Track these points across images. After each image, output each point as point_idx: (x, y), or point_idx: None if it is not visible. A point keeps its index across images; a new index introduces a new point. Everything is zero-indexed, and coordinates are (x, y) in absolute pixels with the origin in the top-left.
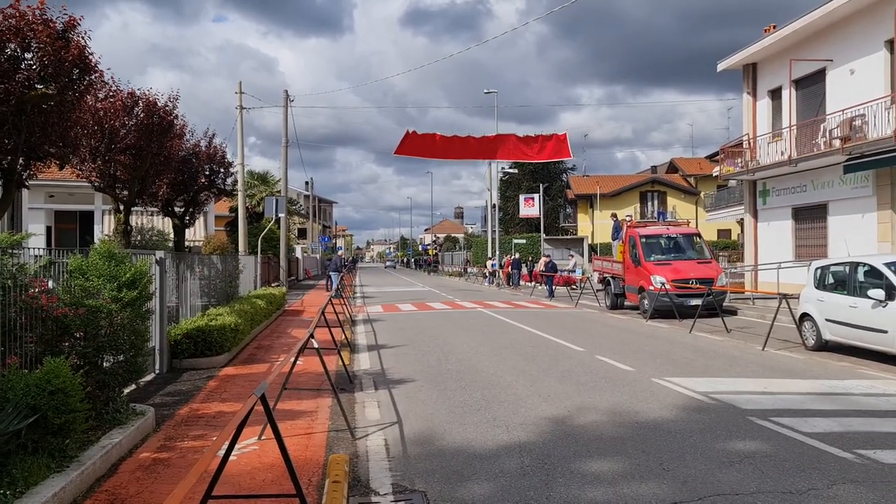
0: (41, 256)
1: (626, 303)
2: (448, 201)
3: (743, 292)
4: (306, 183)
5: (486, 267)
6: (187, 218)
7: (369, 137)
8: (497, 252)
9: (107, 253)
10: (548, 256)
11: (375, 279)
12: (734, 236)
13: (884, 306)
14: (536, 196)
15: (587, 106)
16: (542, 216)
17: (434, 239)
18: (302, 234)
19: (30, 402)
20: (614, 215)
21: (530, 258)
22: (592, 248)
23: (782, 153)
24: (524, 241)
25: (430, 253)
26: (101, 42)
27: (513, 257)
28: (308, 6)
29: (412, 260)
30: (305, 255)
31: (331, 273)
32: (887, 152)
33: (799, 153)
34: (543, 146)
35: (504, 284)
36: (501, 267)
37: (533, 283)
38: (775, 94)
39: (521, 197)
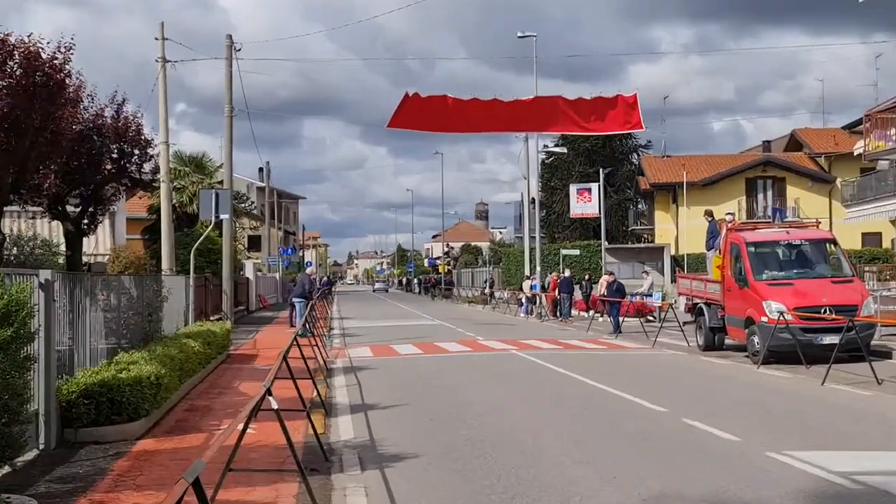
0: None
1: (726, 340)
2: (466, 195)
3: None
4: (260, 170)
5: (521, 290)
6: (86, 221)
7: (351, 103)
8: (538, 269)
9: None
10: (611, 275)
11: (361, 308)
12: (887, 243)
13: None
14: (594, 187)
15: (668, 55)
16: (602, 216)
17: (447, 250)
18: (254, 243)
19: None
20: (709, 214)
21: (586, 277)
22: (677, 262)
23: None
24: (577, 252)
25: (441, 270)
26: None
27: (561, 276)
28: None
29: (414, 280)
30: (260, 274)
31: (295, 300)
32: None
33: None
34: (604, 113)
35: (549, 315)
36: (545, 290)
37: (591, 312)
38: None
39: (573, 188)
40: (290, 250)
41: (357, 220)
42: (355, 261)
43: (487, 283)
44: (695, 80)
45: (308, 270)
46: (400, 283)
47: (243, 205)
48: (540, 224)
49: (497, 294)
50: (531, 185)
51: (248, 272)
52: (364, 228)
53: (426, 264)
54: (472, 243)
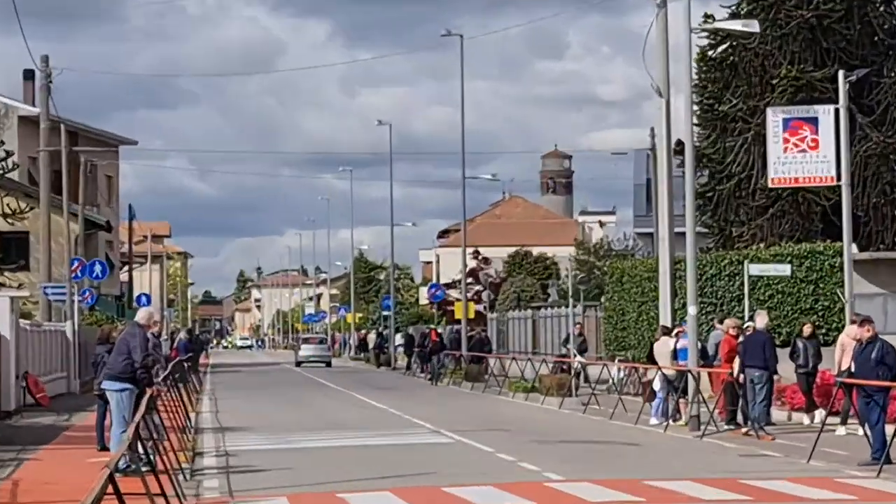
0: None
1: None
2: (519, 134)
3: None
4: (30, 75)
5: (653, 363)
6: None
7: None
8: (692, 311)
9: None
10: (867, 324)
11: (268, 404)
12: None
13: None
14: (824, 114)
15: None
16: (844, 184)
17: (478, 265)
18: (17, 249)
19: None
20: None
21: (805, 330)
22: None
23: None
24: (786, 268)
25: (461, 313)
26: None
27: (748, 328)
28: None
29: (395, 337)
30: (27, 325)
31: (111, 387)
32: None
33: None
34: None
35: (719, 419)
36: (709, 360)
37: (818, 414)
38: None
39: (774, 117)
40: (98, 269)
41: (259, 196)
42: (253, 292)
43: (571, 344)
44: None
45: (140, 316)
46: (361, 345)
47: None
48: (698, 205)
49: (591, 369)
50: (678, 110)
51: (1, 322)
52: (276, 216)
53: (426, 298)
54: (534, 250)
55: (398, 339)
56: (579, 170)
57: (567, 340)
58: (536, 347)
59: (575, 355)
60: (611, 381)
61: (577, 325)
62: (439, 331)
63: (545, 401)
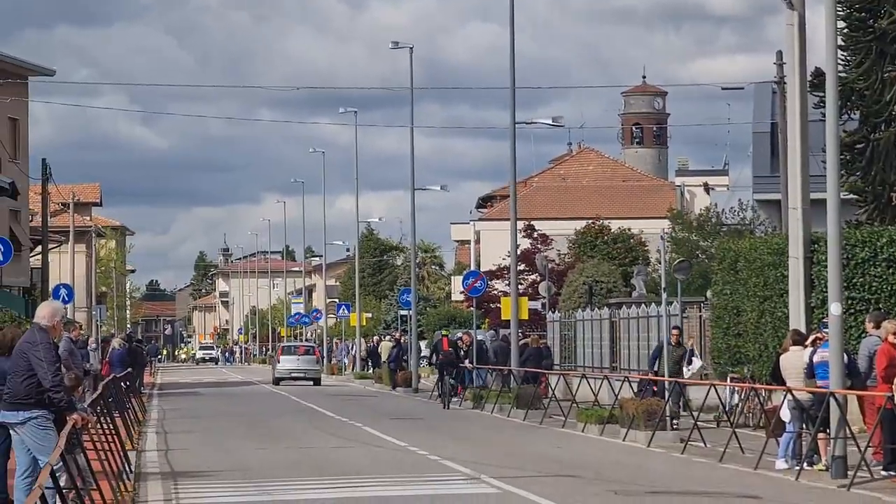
0: None
1: None
2: (593, 64)
3: None
4: None
5: (779, 381)
6: None
7: None
8: (835, 311)
9: None
10: None
11: (232, 438)
12: None
13: None
14: None
15: None
16: None
17: (534, 246)
18: None
19: None
20: None
21: None
22: None
23: None
24: None
25: (508, 312)
26: None
27: None
28: None
29: (419, 346)
30: None
31: (7, 421)
32: None
33: None
34: None
35: (871, 461)
36: (863, 380)
37: None
38: None
39: None
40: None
41: (228, 149)
42: (219, 282)
43: (665, 359)
44: None
45: (41, 315)
46: (370, 356)
47: None
48: (844, 161)
49: (692, 391)
50: (816, 28)
51: None
52: (250, 177)
53: (461, 292)
54: (613, 224)
55: (423, 348)
56: (676, 112)
57: (658, 354)
58: (616, 361)
59: (688, 363)
60: (720, 408)
61: (675, 331)
62: (460, 336)
63: (628, 435)
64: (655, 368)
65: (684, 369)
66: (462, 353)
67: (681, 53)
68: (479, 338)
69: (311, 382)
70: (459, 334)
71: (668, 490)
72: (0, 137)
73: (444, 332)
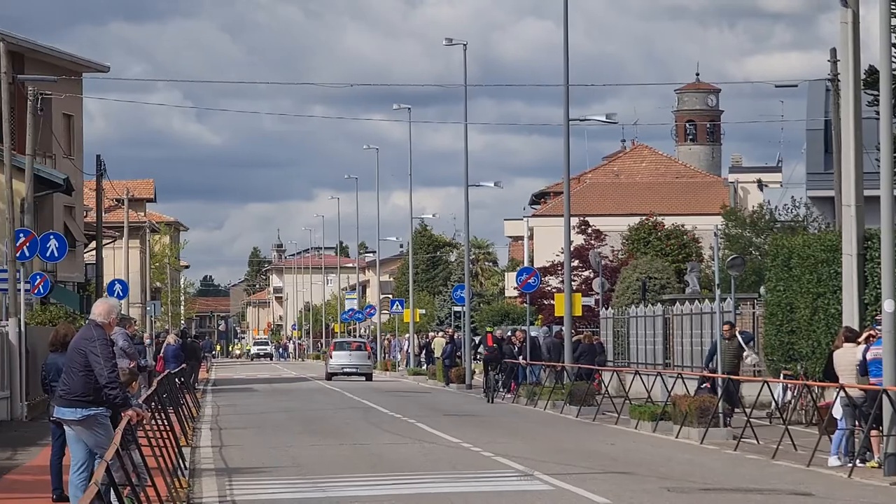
0: None
1: None
2: (647, 61)
3: None
4: None
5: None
6: None
7: None
8: (891, 300)
9: None
10: None
11: (287, 435)
12: None
13: None
14: None
15: None
16: None
17: (588, 242)
18: None
19: None
20: None
21: None
22: None
23: None
24: None
25: (563, 307)
26: None
27: None
28: None
29: (473, 341)
30: None
31: (70, 414)
32: None
33: None
34: None
35: None
36: None
37: None
38: None
39: None
40: (54, 245)
41: (281, 145)
42: (273, 278)
43: (718, 354)
44: None
45: (97, 312)
46: (425, 352)
47: None
48: None
49: (746, 388)
50: (870, 25)
51: None
52: (304, 173)
53: (514, 288)
54: (666, 220)
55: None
56: (730, 109)
57: (713, 353)
58: (669, 357)
59: (748, 355)
60: (773, 404)
61: (727, 326)
62: (514, 332)
63: (681, 432)
64: (711, 366)
65: (744, 355)
66: (515, 349)
67: (734, 50)
68: (533, 334)
69: (363, 378)
70: (512, 330)
71: (720, 487)
72: (55, 134)
73: (489, 329)
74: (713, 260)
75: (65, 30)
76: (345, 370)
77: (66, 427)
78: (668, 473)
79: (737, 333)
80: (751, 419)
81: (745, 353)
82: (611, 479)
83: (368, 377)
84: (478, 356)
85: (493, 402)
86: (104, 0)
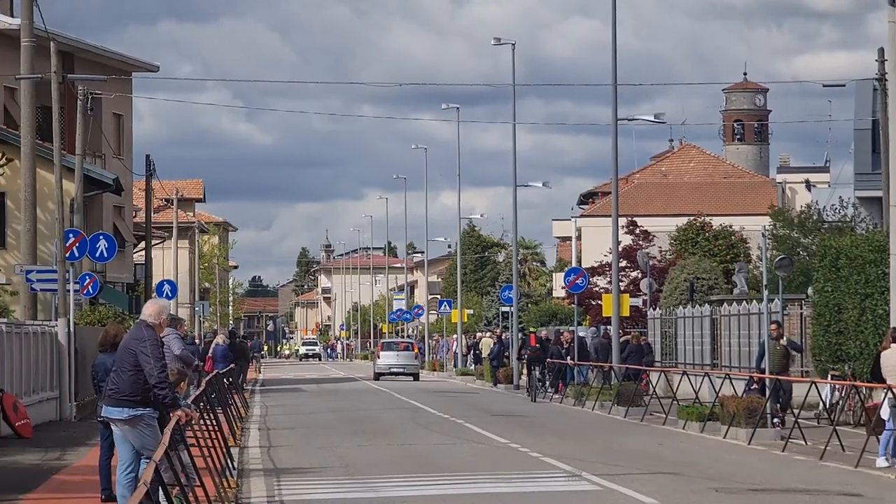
0: None
1: None
2: (695, 60)
3: None
4: None
5: None
6: None
7: None
8: None
9: None
10: None
11: (335, 434)
12: None
13: None
14: None
15: None
16: None
17: (636, 242)
18: None
19: None
20: None
21: None
22: None
23: None
24: None
25: (618, 303)
26: None
27: None
28: None
29: (516, 341)
30: (9, 326)
31: (117, 414)
32: None
33: None
34: None
35: None
36: None
37: None
38: None
39: None
40: (103, 245)
41: (330, 144)
42: (321, 278)
43: (767, 356)
44: None
45: (148, 312)
46: (471, 351)
47: None
48: None
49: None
50: None
51: None
52: (352, 173)
53: (562, 289)
54: (714, 221)
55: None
56: (778, 109)
57: (762, 355)
58: (716, 358)
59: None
60: (821, 405)
61: (774, 326)
62: (561, 333)
63: (729, 432)
64: (762, 367)
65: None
66: (563, 350)
67: (782, 49)
68: (580, 334)
69: (411, 378)
70: (548, 332)
71: (768, 487)
72: (105, 133)
73: (532, 330)
74: (761, 260)
75: (115, 29)
76: (392, 370)
77: (113, 427)
78: (716, 474)
79: (785, 335)
80: (799, 420)
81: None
82: (658, 479)
83: (416, 377)
84: (521, 357)
85: (536, 400)
86: (157, 0)
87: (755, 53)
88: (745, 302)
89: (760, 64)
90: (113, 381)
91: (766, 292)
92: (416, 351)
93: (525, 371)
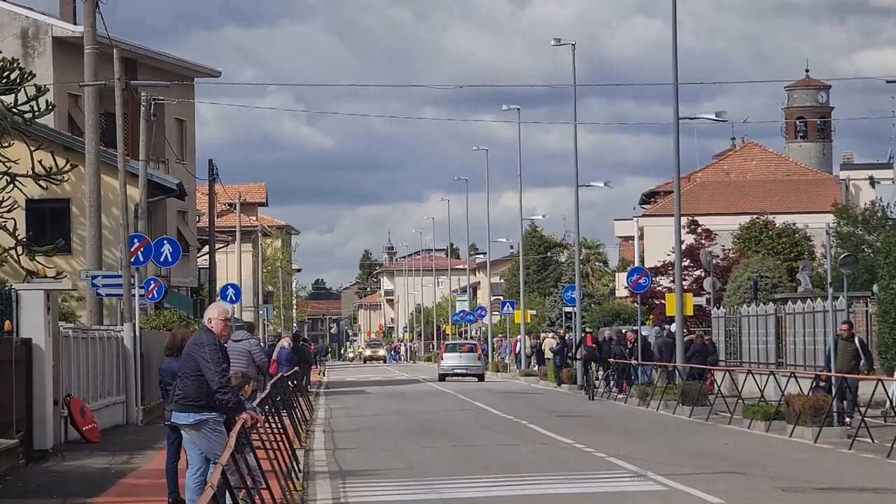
0: None
1: None
2: (756, 58)
3: None
4: None
5: None
6: None
7: None
8: None
9: None
10: None
11: (400, 436)
12: None
13: None
14: None
15: None
16: None
17: (698, 241)
18: (54, 227)
19: None
20: None
21: None
22: None
23: None
24: None
25: (681, 302)
26: None
27: None
28: None
29: (574, 341)
30: (70, 330)
31: (183, 418)
32: None
33: None
34: None
35: None
36: None
37: None
38: None
39: None
40: (168, 250)
41: (391, 147)
42: (384, 281)
43: (833, 354)
44: None
45: (214, 313)
46: (535, 351)
47: (10, 95)
48: None
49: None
50: None
51: (33, 323)
52: (414, 176)
53: (625, 288)
54: (777, 219)
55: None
56: (841, 105)
57: (834, 352)
58: (781, 356)
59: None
60: (888, 403)
61: (844, 325)
62: (624, 332)
63: (794, 431)
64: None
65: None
66: (627, 349)
67: (844, 46)
68: (644, 334)
69: (475, 379)
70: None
71: (835, 486)
72: (167, 139)
73: (588, 329)
74: (825, 258)
75: (179, 35)
76: (455, 371)
77: (182, 431)
78: (782, 473)
79: (857, 336)
80: (865, 418)
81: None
82: (724, 479)
83: (480, 378)
84: (573, 355)
85: (593, 399)
86: (218, 5)
87: (817, 50)
88: (809, 300)
89: (823, 61)
90: (178, 386)
91: (830, 290)
92: (479, 352)
93: (582, 370)
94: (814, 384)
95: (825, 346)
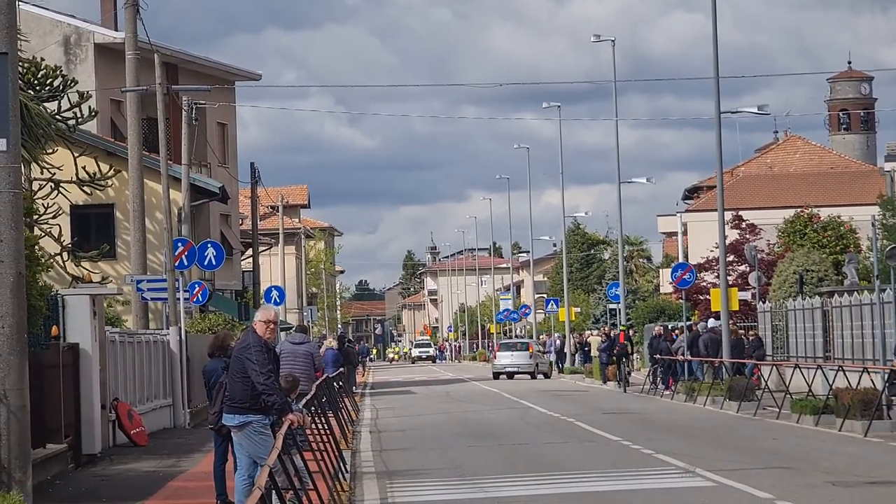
0: None
1: None
2: (798, 51)
3: None
4: None
5: None
6: None
7: None
8: None
9: None
10: None
11: (446, 436)
12: None
13: None
14: None
15: None
16: None
17: (742, 236)
18: (99, 232)
19: None
20: None
21: None
22: None
23: None
24: None
25: (726, 298)
26: None
27: None
28: None
29: (618, 334)
30: (116, 334)
31: (231, 419)
32: None
33: None
34: None
35: None
36: None
37: None
38: None
39: None
40: (211, 253)
41: (433, 147)
42: (427, 281)
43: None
44: None
45: (264, 316)
46: (581, 348)
47: (54, 102)
48: None
49: None
50: None
51: (79, 328)
52: (456, 175)
53: (669, 284)
54: (822, 212)
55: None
56: (884, 97)
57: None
58: (829, 350)
59: None
60: None
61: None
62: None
63: (844, 425)
64: (890, 357)
65: None
66: (673, 346)
67: (888, 36)
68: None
69: (528, 377)
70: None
71: (886, 480)
72: (209, 142)
73: (622, 327)
74: (871, 251)
75: (220, 39)
76: (507, 370)
77: (235, 424)
78: (832, 467)
79: None
80: None
81: None
82: (773, 474)
83: (533, 376)
84: (613, 354)
85: (626, 391)
86: (261, 9)
87: (859, 41)
88: (856, 293)
89: (865, 52)
90: (228, 388)
91: (877, 282)
92: (531, 350)
93: (615, 366)
94: (888, 381)
95: (894, 340)
